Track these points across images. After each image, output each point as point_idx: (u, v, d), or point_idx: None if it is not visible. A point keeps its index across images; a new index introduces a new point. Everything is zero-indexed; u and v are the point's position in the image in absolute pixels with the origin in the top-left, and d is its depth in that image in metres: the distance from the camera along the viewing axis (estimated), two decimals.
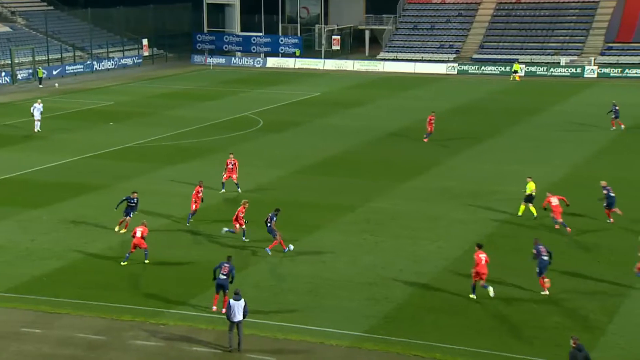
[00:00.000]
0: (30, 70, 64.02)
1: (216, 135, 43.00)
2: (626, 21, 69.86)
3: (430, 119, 41.07)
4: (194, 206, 27.81)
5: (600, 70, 64.98)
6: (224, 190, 31.50)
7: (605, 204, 27.80)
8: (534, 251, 22.37)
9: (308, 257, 24.94)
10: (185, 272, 23.72)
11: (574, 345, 16.54)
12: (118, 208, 26.95)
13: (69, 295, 21.97)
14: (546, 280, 22.11)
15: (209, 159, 37.46)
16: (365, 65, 71.53)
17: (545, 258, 22.11)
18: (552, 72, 66.19)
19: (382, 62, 71.42)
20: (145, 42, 75.74)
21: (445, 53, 72.85)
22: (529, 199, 28.22)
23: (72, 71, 67.90)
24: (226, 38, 77.86)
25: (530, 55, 69.83)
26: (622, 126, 43.25)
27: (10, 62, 63.42)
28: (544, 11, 73.57)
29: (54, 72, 65.86)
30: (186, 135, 43.19)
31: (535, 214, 28.15)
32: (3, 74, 62.08)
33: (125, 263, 24.21)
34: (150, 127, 45.11)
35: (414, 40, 75.31)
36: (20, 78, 63.04)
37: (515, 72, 64.59)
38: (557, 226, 26.93)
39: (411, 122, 46.24)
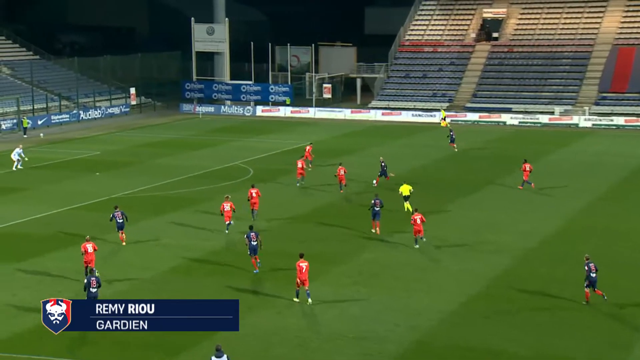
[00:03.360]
0: (15, 120, 64.33)
1: (205, 184, 43.13)
2: (619, 71, 71.14)
3: (309, 149, 47.11)
4: (254, 207, 34.31)
5: (595, 120, 65.83)
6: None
7: None
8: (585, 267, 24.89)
9: (297, 309, 24.87)
10: None
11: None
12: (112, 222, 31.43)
13: (52, 353, 21.70)
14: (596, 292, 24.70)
15: (198, 209, 37.49)
16: (357, 114, 72.19)
17: (594, 275, 24.66)
18: (546, 121, 66.99)
19: (374, 111, 72.14)
20: (133, 90, 76.38)
21: (437, 101, 73.64)
22: (406, 198, 36.08)
23: (57, 121, 68.27)
24: (215, 86, 78.61)
25: (524, 104, 70.79)
26: (456, 149, 52.49)
27: None
28: (537, 60, 74.84)
29: (39, 122, 66.17)
30: (175, 185, 43.31)
31: (410, 210, 33.96)
32: None
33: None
34: (137, 177, 45.24)
35: (406, 89, 76.09)
36: (4, 128, 63.28)
37: (444, 118, 65.07)
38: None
39: (403, 171, 46.57)
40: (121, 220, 31.30)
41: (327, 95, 77.23)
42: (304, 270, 24.76)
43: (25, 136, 61.39)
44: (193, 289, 26.52)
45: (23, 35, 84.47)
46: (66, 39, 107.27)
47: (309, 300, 24.99)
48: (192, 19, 78.10)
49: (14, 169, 47.07)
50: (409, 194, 36.15)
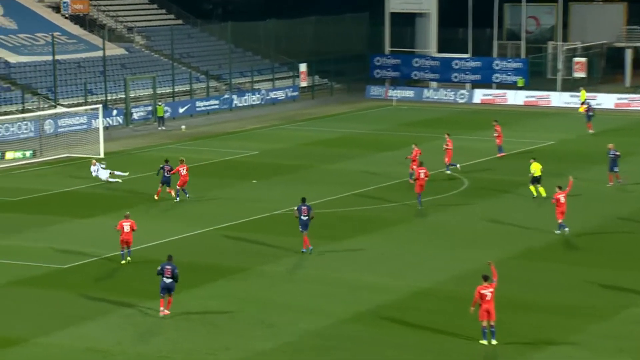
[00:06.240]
0: (150, 108, 67.84)
1: (399, 200, 43.20)
2: None
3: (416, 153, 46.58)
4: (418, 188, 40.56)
5: None
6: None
7: None
8: None
9: None
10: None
11: None
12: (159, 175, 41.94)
13: None
14: None
15: (391, 235, 37.56)
16: (626, 101, 70.01)
17: None
18: None
19: None
20: (303, 67, 78.34)
21: None
22: (536, 180, 41.15)
23: (203, 108, 71.36)
24: (416, 62, 79.02)
25: None
26: (591, 130, 58.95)
27: (124, 96, 67.56)
28: None
29: (180, 110, 69.55)
30: (356, 199, 43.70)
31: (544, 195, 40.32)
32: (115, 112, 65.90)
33: (124, 262, 33.36)
34: (307, 187, 46.01)
35: None
36: (136, 118, 66.82)
37: (583, 102, 63.46)
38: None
39: None
40: (168, 176, 41.96)
41: (580, 74, 75.42)
42: (488, 298, 25.82)
43: (161, 128, 64.67)
44: (376, 349, 26.50)
45: None
46: None
47: (493, 340, 25.99)
48: None
49: (109, 179, 47.28)
50: (540, 173, 41.35)
